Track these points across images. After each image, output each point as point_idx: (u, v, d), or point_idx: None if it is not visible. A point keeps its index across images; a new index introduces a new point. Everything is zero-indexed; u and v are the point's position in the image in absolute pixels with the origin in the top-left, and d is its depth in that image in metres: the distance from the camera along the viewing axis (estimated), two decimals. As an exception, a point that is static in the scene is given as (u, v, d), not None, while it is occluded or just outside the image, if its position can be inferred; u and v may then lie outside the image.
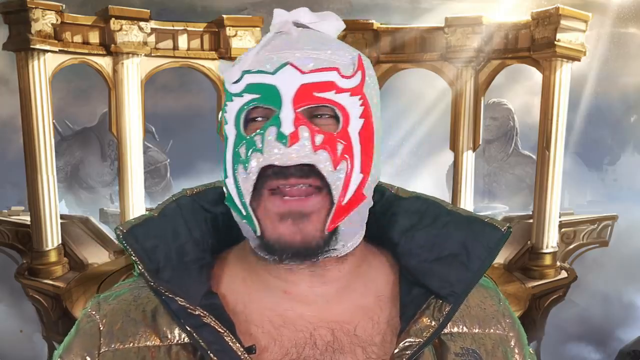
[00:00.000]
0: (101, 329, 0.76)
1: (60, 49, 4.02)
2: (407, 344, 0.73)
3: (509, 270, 4.41)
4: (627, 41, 4.58)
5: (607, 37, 4.48)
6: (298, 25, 0.76)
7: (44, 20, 3.93)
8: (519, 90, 4.95)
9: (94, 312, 0.78)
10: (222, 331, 0.71)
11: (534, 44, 4.16)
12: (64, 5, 4.00)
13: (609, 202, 5.00)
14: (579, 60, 4.20)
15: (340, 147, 0.70)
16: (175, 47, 4.20)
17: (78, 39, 4.08)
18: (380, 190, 0.84)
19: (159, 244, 0.76)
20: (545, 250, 4.38)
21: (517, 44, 4.25)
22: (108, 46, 4.09)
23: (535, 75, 4.40)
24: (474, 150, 4.47)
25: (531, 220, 4.44)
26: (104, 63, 4.14)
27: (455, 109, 4.40)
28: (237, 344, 0.71)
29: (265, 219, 0.71)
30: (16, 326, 4.31)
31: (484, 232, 0.78)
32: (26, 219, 4.28)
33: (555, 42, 4.04)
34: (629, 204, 4.76)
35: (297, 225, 0.70)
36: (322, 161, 0.69)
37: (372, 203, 0.78)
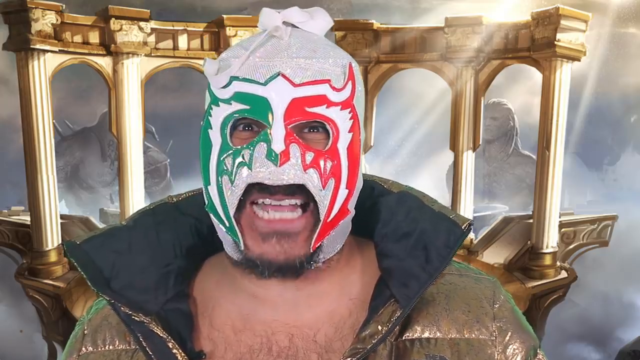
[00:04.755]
0: (85, 332, 0.80)
1: (60, 49, 4.01)
2: (353, 351, 0.69)
3: (509, 270, 4.41)
4: (627, 41, 4.57)
5: (607, 37, 4.47)
6: (287, 25, 0.73)
7: (44, 20, 3.92)
8: (519, 90, 4.93)
9: (85, 317, 0.82)
10: (164, 337, 0.71)
11: (534, 44, 4.15)
12: (64, 5, 3.99)
13: (609, 202, 4.99)
14: (579, 60, 4.20)
15: (329, 164, 0.68)
16: (175, 47, 4.20)
17: (78, 39, 4.07)
18: (372, 186, 0.82)
19: (112, 254, 0.76)
20: (545, 250, 4.37)
21: (517, 44, 4.25)
22: (108, 46, 4.09)
23: (535, 75, 4.40)
24: (474, 150, 4.47)
25: (531, 220, 4.44)
26: (104, 63, 4.14)
27: (455, 109, 4.40)
28: (179, 350, 0.70)
29: (249, 234, 0.70)
30: (16, 326, 4.31)
31: (446, 230, 0.74)
32: (26, 219, 4.27)
33: (555, 42, 4.03)
34: (629, 204, 4.75)
35: (281, 244, 0.68)
36: (312, 180, 0.67)
37: (354, 213, 0.74)
